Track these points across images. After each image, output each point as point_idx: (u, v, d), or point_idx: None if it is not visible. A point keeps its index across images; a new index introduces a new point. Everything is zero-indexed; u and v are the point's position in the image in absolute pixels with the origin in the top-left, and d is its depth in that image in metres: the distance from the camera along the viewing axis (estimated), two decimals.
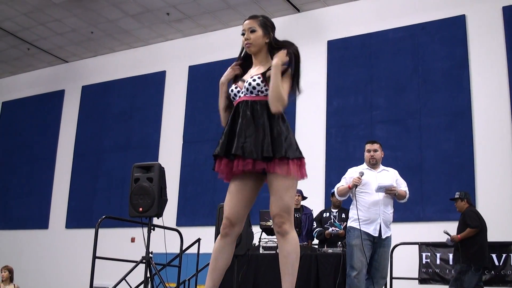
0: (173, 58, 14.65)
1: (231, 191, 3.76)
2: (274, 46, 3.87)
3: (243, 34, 3.87)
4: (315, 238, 9.12)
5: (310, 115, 12.31)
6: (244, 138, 3.63)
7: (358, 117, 11.79)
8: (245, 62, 4.01)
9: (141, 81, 14.95)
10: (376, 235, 6.27)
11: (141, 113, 14.75)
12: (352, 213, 6.49)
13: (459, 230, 8.21)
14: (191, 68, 14.23)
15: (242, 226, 3.81)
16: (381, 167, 6.69)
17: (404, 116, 11.34)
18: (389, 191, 6.39)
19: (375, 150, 6.62)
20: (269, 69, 3.76)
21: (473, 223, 8.10)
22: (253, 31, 3.83)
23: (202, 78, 13.70)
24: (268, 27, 3.88)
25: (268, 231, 8.35)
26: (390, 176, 6.59)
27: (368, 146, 6.64)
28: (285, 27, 12.05)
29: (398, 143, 11.18)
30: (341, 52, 12.35)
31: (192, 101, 13.92)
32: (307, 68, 13.19)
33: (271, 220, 8.05)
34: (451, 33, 11.22)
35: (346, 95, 12.04)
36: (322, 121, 12.17)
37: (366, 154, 6.64)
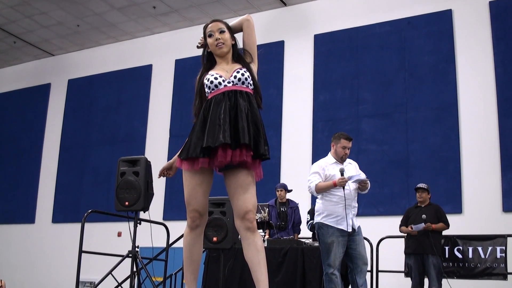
0: (160, 52, 14.61)
1: (194, 184, 3.66)
2: (237, 50, 3.90)
3: (210, 36, 3.83)
4: (309, 230, 9.10)
5: (297, 109, 12.33)
6: (248, 127, 3.57)
7: (344, 111, 11.81)
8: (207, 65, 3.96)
9: (127, 75, 14.91)
10: (350, 230, 6.28)
11: (127, 106, 14.72)
12: (321, 208, 6.48)
13: (430, 222, 8.23)
14: (178, 62, 14.20)
15: (207, 216, 3.84)
16: (346, 160, 6.68)
17: (390, 110, 11.38)
18: (364, 184, 6.39)
19: (349, 148, 6.60)
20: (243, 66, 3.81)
21: (447, 221, 8.32)
22: (222, 32, 3.81)
23: (189, 71, 13.60)
24: (231, 30, 3.90)
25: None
26: (354, 169, 6.59)
27: (345, 143, 6.50)
28: (271, 20, 12.10)
29: (385, 137, 11.23)
30: (327, 46, 12.35)
31: (178, 95, 13.90)
32: (294, 62, 13.16)
33: (257, 214, 8.07)
34: (438, 27, 11.27)
35: (333, 89, 12.06)
36: (308, 115, 12.19)
37: (341, 150, 6.50)
